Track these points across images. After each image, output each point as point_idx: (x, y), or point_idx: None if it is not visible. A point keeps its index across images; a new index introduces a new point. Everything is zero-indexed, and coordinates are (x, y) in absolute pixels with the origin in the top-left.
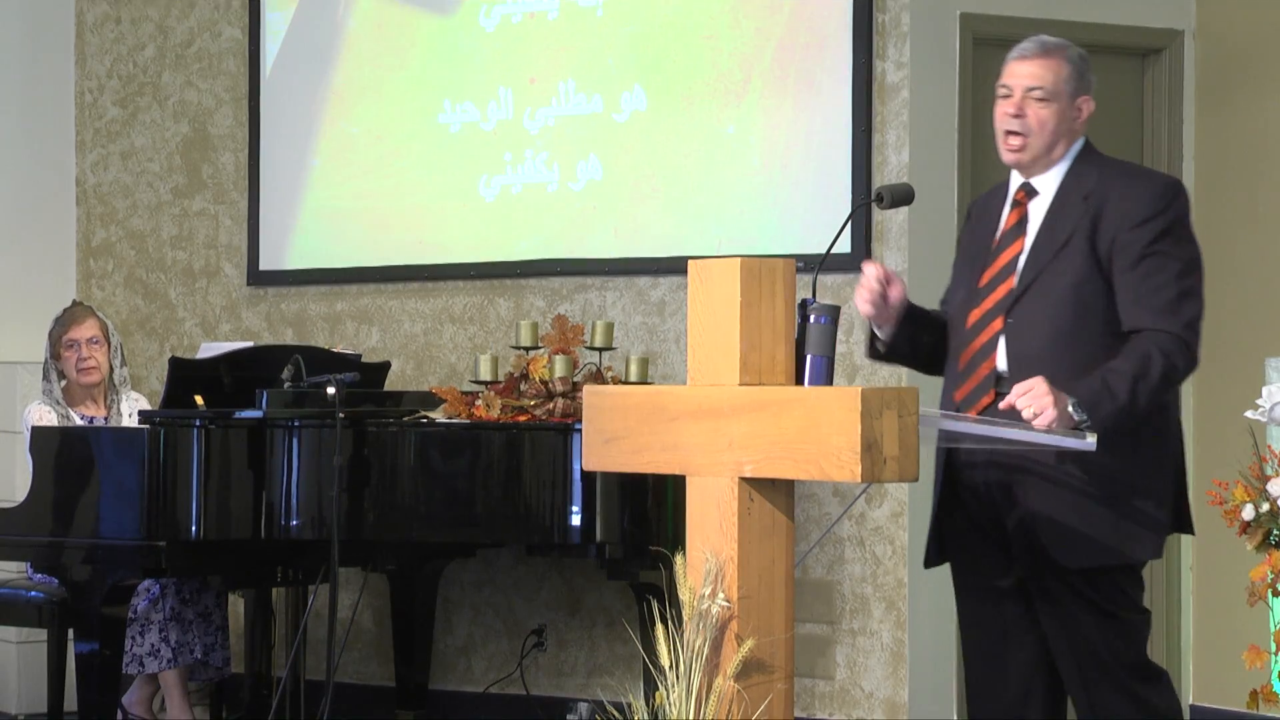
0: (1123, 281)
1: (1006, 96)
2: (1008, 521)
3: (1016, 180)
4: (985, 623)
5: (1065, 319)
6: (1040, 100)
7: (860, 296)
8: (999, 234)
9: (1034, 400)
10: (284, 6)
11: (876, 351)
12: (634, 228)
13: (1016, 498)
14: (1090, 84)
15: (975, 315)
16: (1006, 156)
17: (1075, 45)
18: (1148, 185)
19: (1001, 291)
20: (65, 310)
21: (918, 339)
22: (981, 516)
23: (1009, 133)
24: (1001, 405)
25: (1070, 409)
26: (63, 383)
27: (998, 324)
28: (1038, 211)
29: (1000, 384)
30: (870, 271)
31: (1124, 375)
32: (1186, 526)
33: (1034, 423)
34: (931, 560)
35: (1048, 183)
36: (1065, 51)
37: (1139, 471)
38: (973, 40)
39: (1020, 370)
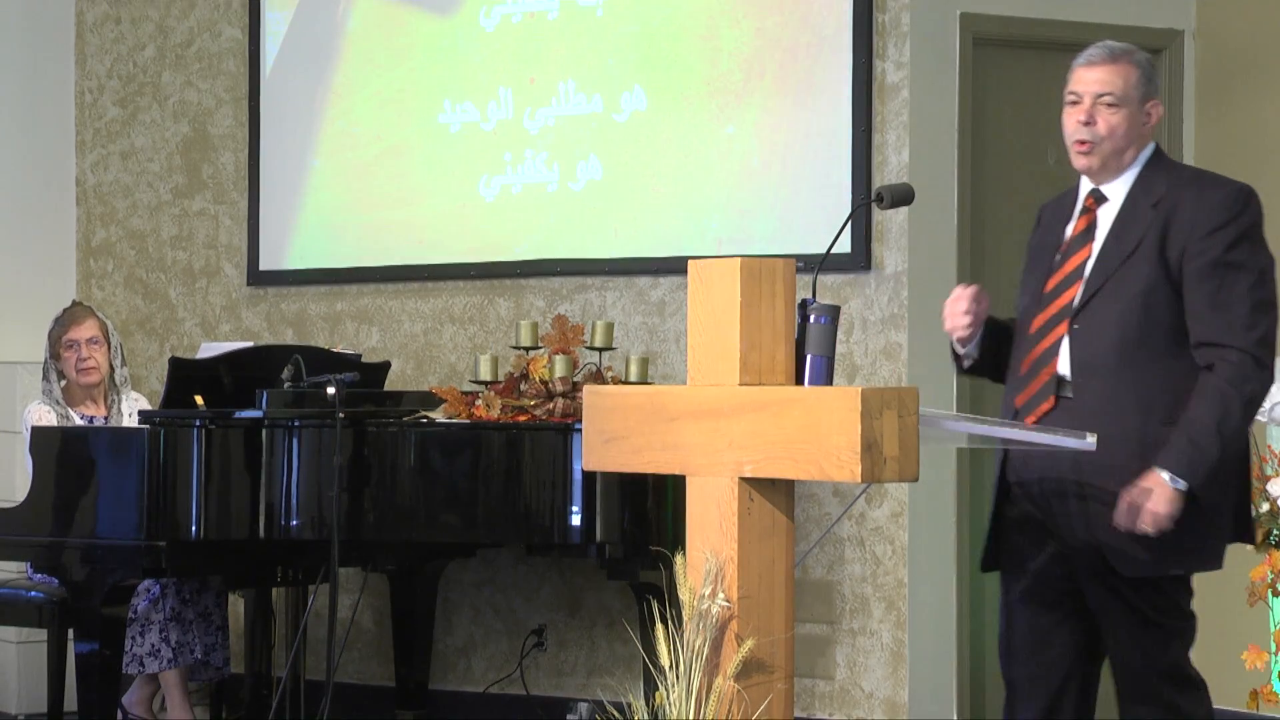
0: (1193, 293)
1: (1076, 103)
2: (1066, 527)
3: (1086, 186)
4: (1029, 622)
5: (1132, 326)
6: (1110, 106)
7: (955, 318)
8: (1066, 240)
9: (1139, 518)
10: (284, 6)
11: (962, 367)
12: (634, 228)
13: (1075, 504)
14: (1158, 88)
15: (1040, 320)
16: (1078, 163)
17: (1141, 50)
18: (1219, 192)
19: (1066, 297)
20: (65, 310)
21: (1001, 351)
22: (1036, 519)
23: (1079, 140)
24: (1115, 525)
25: (1168, 482)
26: (62, 383)
27: (1062, 329)
28: (1106, 218)
29: (1061, 388)
30: (962, 293)
31: (1208, 428)
32: (1247, 535)
33: (1149, 528)
34: (989, 564)
35: (1117, 189)
36: (1133, 56)
37: (1206, 479)
38: (973, 40)
39: (1084, 376)
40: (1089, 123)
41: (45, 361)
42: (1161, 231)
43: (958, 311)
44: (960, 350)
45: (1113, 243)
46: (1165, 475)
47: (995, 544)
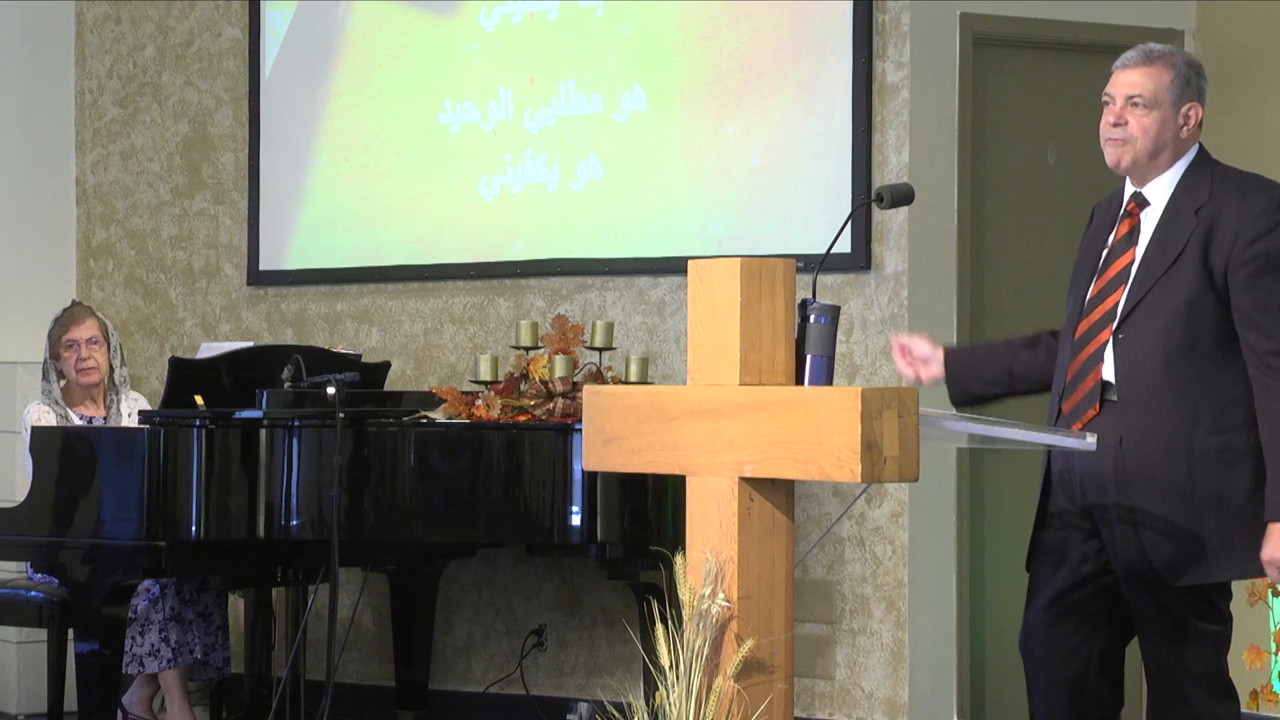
0: (1241, 301)
1: (1108, 105)
2: (1108, 533)
3: (1129, 189)
4: (1052, 623)
5: (1177, 336)
6: (1141, 108)
7: (904, 372)
8: (1111, 243)
9: None
10: (284, 6)
11: (954, 401)
12: (634, 228)
13: (1117, 512)
14: (1199, 90)
15: (1084, 326)
16: (1108, 156)
17: (1185, 53)
18: (1261, 198)
19: (1110, 303)
20: (65, 310)
21: (986, 371)
22: (1074, 518)
23: (1109, 139)
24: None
25: None
26: (62, 383)
27: (1105, 335)
28: (1149, 223)
29: (1106, 393)
30: (896, 352)
31: None
32: None
33: None
34: (1030, 564)
35: (1159, 193)
36: (1170, 59)
37: (1254, 484)
38: (973, 40)
39: (1129, 384)
40: (1119, 123)
41: (45, 361)
42: (1205, 239)
43: (902, 368)
44: (925, 383)
45: (1155, 250)
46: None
47: (1036, 541)
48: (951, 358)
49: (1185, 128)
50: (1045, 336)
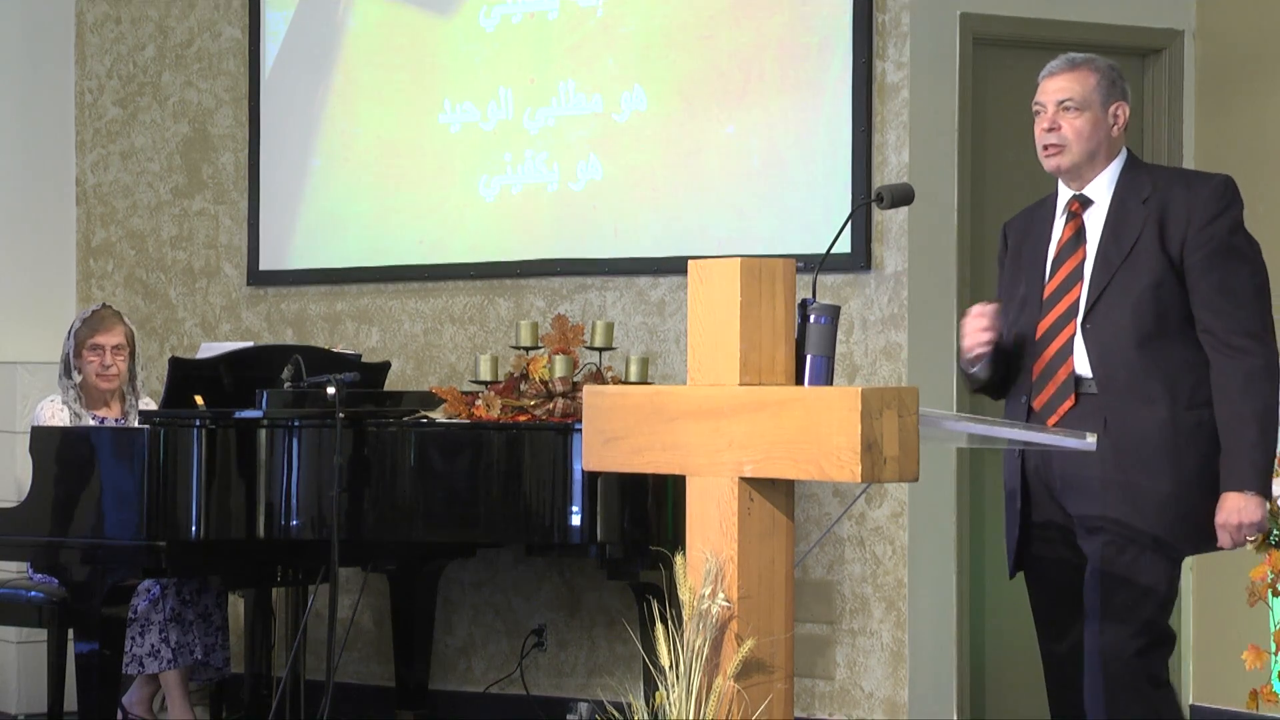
0: (1199, 281)
1: (1040, 113)
2: (1081, 512)
3: (1066, 193)
4: (1057, 613)
5: (1147, 319)
6: (1073, 111)
7: (975, 334)
8: (1056, 246)
9: (1240, 530)
10: (284, 6)
11: (972, 386)
12: (634, 228)
13: (1098, 486)
14: (1123, 91)
15: (1044, 325)
16: (1047, 164)
17: (1103, 58)
18: (1207, 185)
19: (1069, 299)
20: (94, 312)
21: (1009, 369)
22: (1059, 522)
23: (1046, 145)
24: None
25: (1253, 495)
26: (78, 378)
27: (1070, 330)
28: (1095, 220)
29: (1081, 385)
30: (983, 310)
31: (1248, 418)
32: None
33: (1252, 536)
34: (1013, 569)
35: (1100, 191)
36: (1092, 63)
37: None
38: (973, 40)
39: (1106, 371)
40: (1053, 128)
41: (65, 358)
42: (1158, 227)
43: (978, 329)
44: (970, 370)
45: (1110, 242)
46: (1237, 491)
47: (1022, 549)
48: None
49: (1115, 126)
50: None
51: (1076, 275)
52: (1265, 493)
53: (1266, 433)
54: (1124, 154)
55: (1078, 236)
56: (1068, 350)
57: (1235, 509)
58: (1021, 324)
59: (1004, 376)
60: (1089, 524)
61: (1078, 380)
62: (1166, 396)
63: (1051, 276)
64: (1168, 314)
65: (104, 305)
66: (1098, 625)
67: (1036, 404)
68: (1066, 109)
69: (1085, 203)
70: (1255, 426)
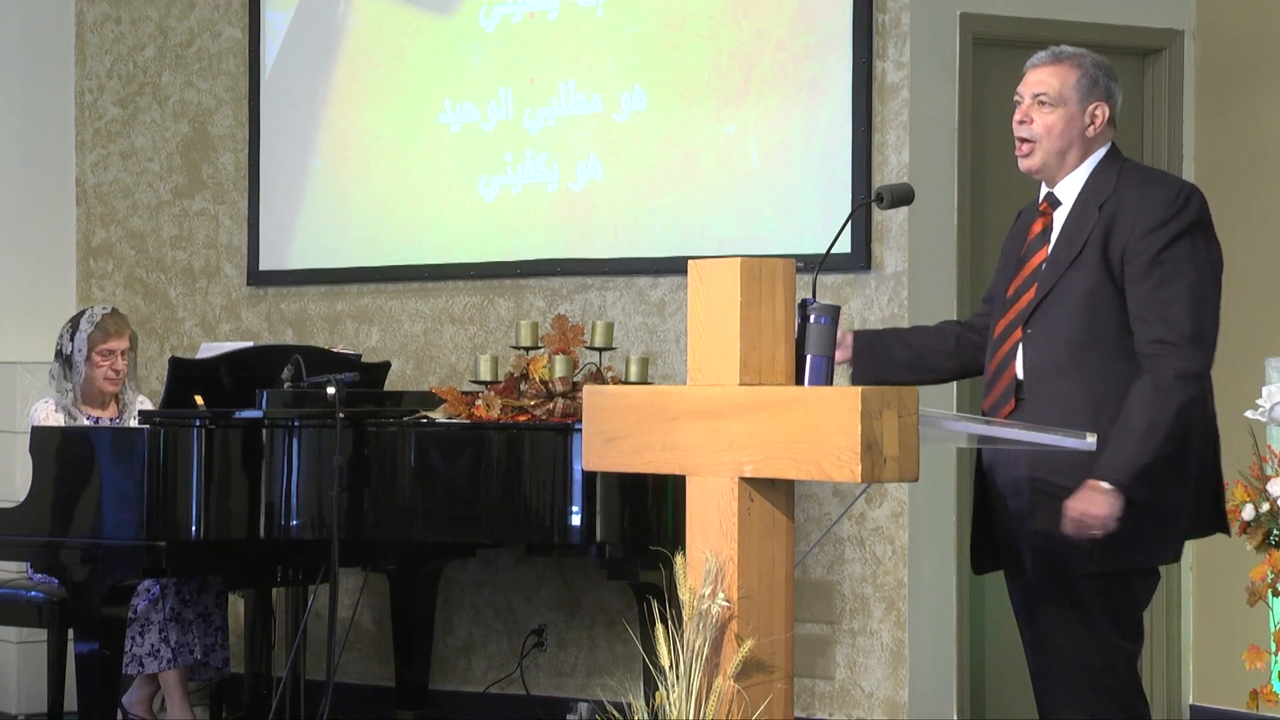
0: (1132, 292)
1: (1018, 104)
2: (1027, 525)
3: (1044, 190)
4: (1020, 618)
5: (1078, 329)
6: (1046, 106)
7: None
8: (1026, 243)
9: (1085, 525)
10: (284, 6)
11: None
12: (634, 228)
13: (1029, 498)
14: (1107, 90)
15: (1002, 324)
16: (1020, 163)
17: (1094, 54)
18: (1159, 191)
19: (1024, 301)
20: (104, 316)
21: (893, 358)
22: (1007, 518)
23: (1018, 139)
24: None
25: (1102, 485)
26: (80, 380)
27: (1018, 334)
28: (1059, 220)
29: (1020, 391)
30: None
31: (1136, 431)
32: (1215, 526)
33: (1095, 532)
34: (975, 566)
35: (1069, 191)
36: (1077, 59)
37: (1161, 471)
38: (973, 40)
39: (1037, 379)
40: (1024, 121)
41: (68, 358)
42: (1105, 232)
43: None
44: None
45: (1063, 245)
46: (1098, 481)
47: (982, 545)
48: (860, 341)
49: (1092, 126)
50: (950, 325)
51: (1034, 276)
52: (1127, 492)
53: (1150, 437)
54: (1102, 152)
55: (1043, 235)
56: (1014, 353)
57: (1087, 495)
58: (993, 318)
59: (882, 360)
60: (1021, 537)
61: (1018, 385)
62: (1090, 409)
63: (1015, 275)
64: (1103, 323)
65: (112, 309)
66: (1032, 647)
67: (986, 404)
68: (1042, 103)
69: (1054, 202)
70: (1141, 427)
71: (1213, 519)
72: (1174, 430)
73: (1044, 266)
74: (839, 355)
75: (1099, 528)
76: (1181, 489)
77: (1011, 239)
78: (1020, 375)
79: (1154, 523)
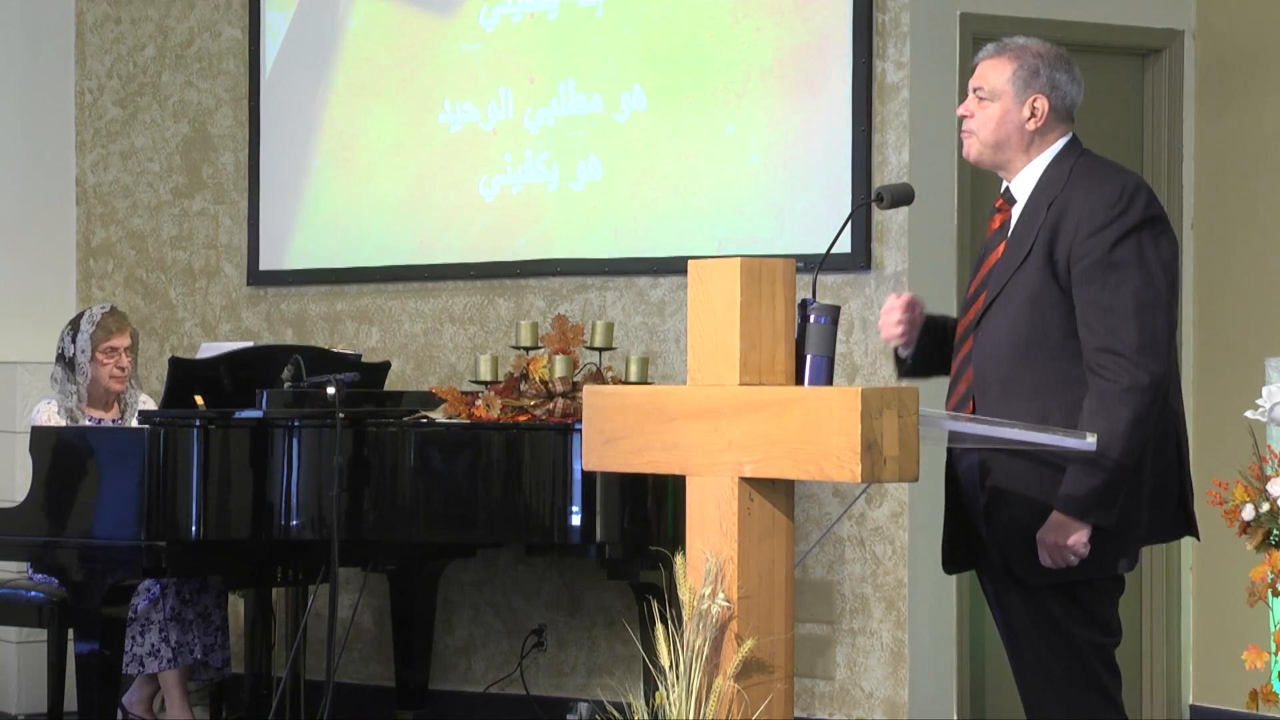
0: (1079, 296)
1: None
2: (985, 528)
3: (1002, 185)
4: (995, 616)
5: (1021, 335)
6: (982, 99)
7: (889, 328)
8: (985, 240)
9: (1059, 556)
10: (284, 6)
11: (905, 370)
12: (634, 228)
13: (992, 507)
14: (1050, 81)
15: (961, 325)
16: (964, 152)
17: (1046, 44)
18: (1104, 190)
19: (979, 304)
20: (105, 315)
21: (941, 347)
22: (975, 518)
23: (962, 131)
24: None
25: (1079, 522)
26: (85, 381)
27: (971, 339)
28: (1015, 217)
29: (974, 393)
30: (894, 303)
31: (1091, 456)
32: (1182, 528)
33: (1074, 558)
34: (946, 566)
35: (1023, 188)
36: (1017, 51)
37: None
38: (973, 40)
39: (984, 385)
40: (965, 115)
41: (71, 360)
42: (1051, 233)
43: (890, 322)
44: (901, 354)
45: (1014, 246)
46: (1073, 523)
47: (955, 545)
48: (929, 321)
49: (1033, 119)
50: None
51: (987, 277)
52: (1092, 520)
53: (1104, 460)
54: (1058, 145)
55: (999, 233)
56: (970, 357)
57: (1055, 525)
58: (958, 318)
59: (940, 354)
60: (987, 538)
61: (971, 390)
62: (1034, 414)
63: (974, 275)
64: (1047, 327)
65: (111, 307)
66: (1008, 646)
67: (949, 405)
68: (980, 97)
69: (1010, 199)
70: (1095, 451)
71: (1177, 523)
72: (1131, 445)
73: (996, 267)
74: (901, 331)
75: (1074, 555)
76: (1133, 497)
77: (984, 236)
78: (973, 379)
79: (1105, 533)
